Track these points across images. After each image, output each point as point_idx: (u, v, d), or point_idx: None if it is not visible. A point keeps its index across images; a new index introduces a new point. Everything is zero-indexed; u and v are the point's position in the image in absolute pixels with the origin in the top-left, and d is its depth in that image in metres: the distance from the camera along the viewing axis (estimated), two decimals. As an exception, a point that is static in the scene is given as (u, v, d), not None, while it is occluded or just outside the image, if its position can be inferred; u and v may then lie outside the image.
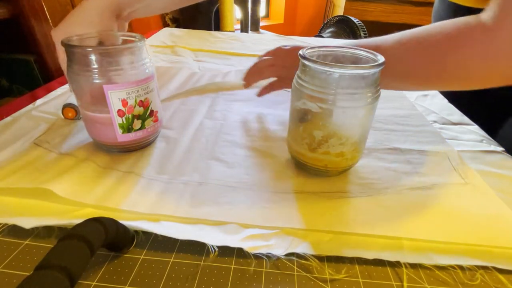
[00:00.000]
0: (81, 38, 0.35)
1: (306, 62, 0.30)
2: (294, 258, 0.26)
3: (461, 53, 0.32)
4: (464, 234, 0.29)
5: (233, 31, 1.39)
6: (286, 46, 0.42)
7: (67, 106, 0.44)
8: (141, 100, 0.35)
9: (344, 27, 1.97)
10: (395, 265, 0.26)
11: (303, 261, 0.26)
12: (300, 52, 0.31)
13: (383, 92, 0.33)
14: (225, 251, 0.27)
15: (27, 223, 0.27)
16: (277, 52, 0.41)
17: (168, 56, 0.78)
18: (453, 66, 0.33)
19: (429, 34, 0.34)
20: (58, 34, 0.38)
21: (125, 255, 0.26)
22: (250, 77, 0.43)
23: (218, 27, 1.61)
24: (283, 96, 0.56)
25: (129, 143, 0.37)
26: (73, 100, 0.44)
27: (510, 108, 0.54)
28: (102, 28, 0.38)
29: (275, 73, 0.40)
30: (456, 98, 0.58)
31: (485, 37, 0.30)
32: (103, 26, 0.38)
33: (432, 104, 0.57)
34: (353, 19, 1.91)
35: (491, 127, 0.53)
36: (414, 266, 0.26)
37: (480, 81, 0.34)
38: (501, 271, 0.26)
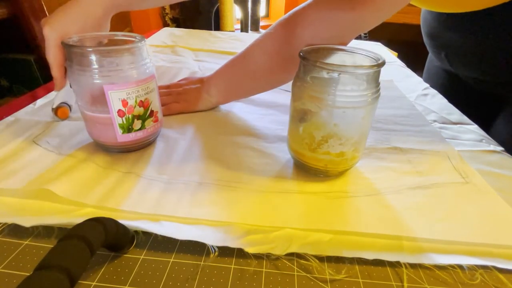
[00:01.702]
0: (81, 38, 0.35)
1: (306, 62, 0.30)
2: (294, 258, 0.26)
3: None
4: (465, 233, 0.29)
5: (233, 31, 1.39)
6: (181, 80, 0.55)
7: (61, 106, 0.43)
8: (141, 100, 0.35)
9: (344, 27, 1.96)
10: (395, 265, 0.26)
11: (303, 261, 0.26)
12: (300, 52, 0.31)
13: (383, 92, 0.33)
14: (225, 251, 0.27)
15: (27, 221, 0.27)
16: (171, 85, 0.53)
17: (168, 56, 0.78)
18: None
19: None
20: (53, 32, 0.36)
21: (125, 255, 0.26)
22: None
23: (218, 27, 1.61)
24: (284, 96, 0.56)
25: (129, 143, 0.37)
26: (60, 98, 0.43)
27: (502, 106, 0.54)
28: (98, 29, 0.38)
29: (171, 99, 0.50)
30: (455, 97, 0.58)
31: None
32: (101, 26, 0.38)
33: (432, 103, 0.57)
34: (353, 19, 1.90)
35: (489, 126, 0.53)
36: (414, 266, 0.26)
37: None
38: (501, 270, 0.26)
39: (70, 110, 0.45)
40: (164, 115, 0.45)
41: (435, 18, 0.55)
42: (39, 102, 0.50)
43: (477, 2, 0.44)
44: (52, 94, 0.53)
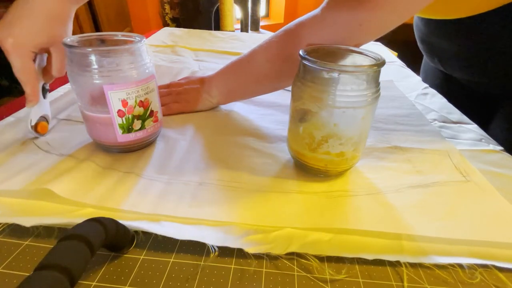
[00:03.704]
0: (82, 39, 0.35)
1: (306, 62, 0.30)
2: (294, 258, 0.26)
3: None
4: (466, 231, 0.29)
5: (233, 31, 1.39)
6: (181, 80, 0.54)
7: (40, 121, 0.39)
8: (141, 101, 0.35)
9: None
10: (395, 264, 0.26)
11: (303, 261, 0.26)
12: (300, 52, 0.31)
13: (383, 92, 0.33)
14: (225, 251, 0.27)
15: (28, 222, 0.27)
16: (171, 85, 0.53)
17: (168, 55, 0.78)
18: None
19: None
20: (21, 46, 0.33)
21: (125, 255, 0.26)
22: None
23: (218, 26, 1.61)
24: (284, 96, 0.56)
25: (129, 144, 0.37)
26: (37, 113, 0.39)
27: (499, 106, 0.55)
28: (65, 28, 0.36)
29: (171, 99, 0.50)
30: (451, 97, 0.58)
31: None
32: (67, 24, 0.37)
33: (432, 102, 0.57)
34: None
35: (486, 126, 0.54)
36: (414, 265, 0.26)
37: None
38: (501, 269, 0.26)
39: (49, 122, 0.41)
40: (164, 115, 0.45)
41: (425, 25, 0.56)
42: (39, 102, 0.50)
43: (462, 10, 0.45)
44: (52, 94, 0.53)
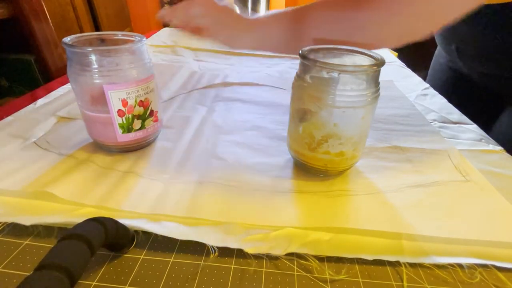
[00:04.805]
0: (82, 39, 0.35)
1: (306, 62, 0.30)
2: (294, 258, 0.26)
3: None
4: (466, 231, 0.29)
5: (233, 31, 1.39)
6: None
7: None
8: (141, 100, 0.35)
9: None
10: (395, 264, 0.26)
11: (303, 261, 0.26)
12: (300, 52, 0.31)
13: (383, 92, 0.33)
14: (225, 251, 0.27)
15: (27, 220, 0.27)
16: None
17: (168, 55, 0.78)
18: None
19: None
20: None
21: (125, 255, 0.26)
22: (172, 15, 0.42)
23: (218, 26, 1.61)
24: (283, 96, 0.56)
25: (129, 143, 0.37)
26: None
27: (503, 106, 0.55)
28: None
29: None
30: (458, 94, 0.58)
31: None
32: None
33: (432, 103, 0.57)
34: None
35: (491, 123, 0.54)
36: (414, 265, 0.26)
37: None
38: (501, 269, 0.26)
39: None
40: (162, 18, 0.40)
41: None
42: (40, 102, 0.50)
43: None
44: (53, 94, 0.53)
